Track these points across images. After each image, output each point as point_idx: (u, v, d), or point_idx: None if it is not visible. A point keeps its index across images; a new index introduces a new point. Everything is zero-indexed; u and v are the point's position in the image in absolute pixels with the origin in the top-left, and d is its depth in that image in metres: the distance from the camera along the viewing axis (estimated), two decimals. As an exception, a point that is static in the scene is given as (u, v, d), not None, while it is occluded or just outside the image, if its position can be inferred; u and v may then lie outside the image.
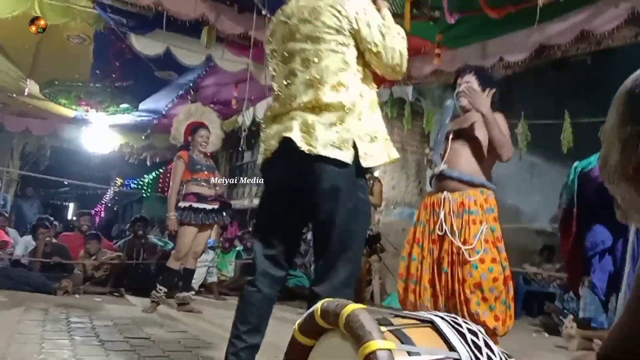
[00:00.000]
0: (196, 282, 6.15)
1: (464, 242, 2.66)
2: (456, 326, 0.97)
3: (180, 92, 8.37)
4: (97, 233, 6.59)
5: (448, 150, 2.82)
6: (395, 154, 2.08)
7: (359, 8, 2.00)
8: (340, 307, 0.95)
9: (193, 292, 5.15)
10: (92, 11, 5.54)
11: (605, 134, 0.86)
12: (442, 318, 0.98)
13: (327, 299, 1.02)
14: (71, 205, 23.48)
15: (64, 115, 9.73)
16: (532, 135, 6.22)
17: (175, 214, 4.64)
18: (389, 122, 6.00)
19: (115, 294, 5.58)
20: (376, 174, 6.70)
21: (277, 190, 2.12)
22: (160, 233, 9.93)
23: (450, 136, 2.86)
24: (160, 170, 15.06)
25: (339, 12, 1.98)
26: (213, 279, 6.34)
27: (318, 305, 1.02)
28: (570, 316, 4.25)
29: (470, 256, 2.63)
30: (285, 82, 2.07)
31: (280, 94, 2.10)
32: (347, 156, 1.92)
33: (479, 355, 0.92)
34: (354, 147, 1.94)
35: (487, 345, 0.96)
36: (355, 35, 2.01)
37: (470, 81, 2.90)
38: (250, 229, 9.80)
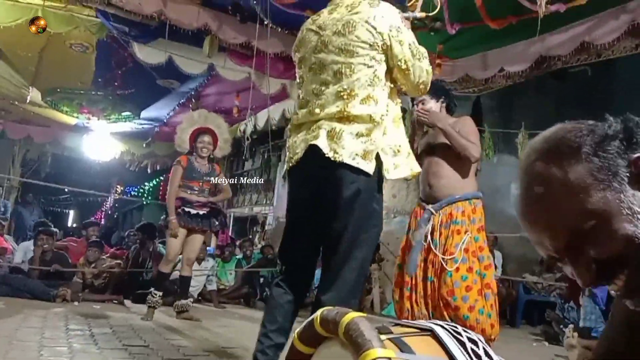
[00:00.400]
0: (195, 290, 6.14)
1: (445, 252, 2.71)
2: (456, 335, 0.97)
3: (182, 100, 8.41)
4: (99, 241, 6.60)
5: (428, 172, 2.89)
6: (417, 168, 2.14)
7: (393, 25, 2.05)
8: (339, 315, 0.95)
9: (191, 300, 5.13)
10: (95, 20, 5.58)
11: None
12: (441, 327, 0.98)
13: (326, 308, 1.02)
14: (71, 213, 23.49)
15: (66, 122, 9.77)
16: (533, 145, 6.22)
17: (175, 218, 4.66)
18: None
19: (115, 301, 5.56)
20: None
21: (302, 197, 2.15)
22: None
23: (424, 154, 2.94)
24: (161, 177, 15.08)
25: (374, 28, 2.02)
26: (213, 287, 6.32)
27: (318, 314, 1.02)
28: (571, 326, 4.23)
29: (447, 265, 2.69)
30: (314, 92, 2.10)
31: (308, 102, 2.12)
32: (370, 167, 1.97)
33: (478, 364, 0.92)
34: (377, 159, 1.99)
35: (487, 354, 0.95)
36: (387, 52, 2.05)
37: (424, 99, 2.95)
38: (250, 236, 9.81)
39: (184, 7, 5.34)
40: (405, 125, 2.44)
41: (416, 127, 3.07)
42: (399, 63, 2.07)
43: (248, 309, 6.33)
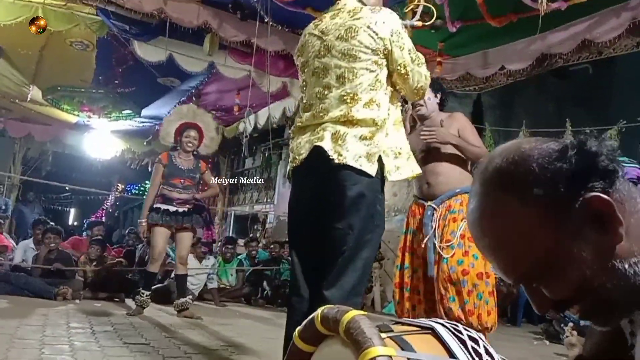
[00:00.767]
0: (197, 288, 6.14)
1: (442, 241, 2.72)
2: (457, 333, 0.96)
3: (183, 98, 8.40)
4: (101, 239, 6.62)
5: (426, 170, 2.84)
6: (418, 169, 2.19)
7: (394, 31, 2.09)
8: (340, 313, 0.95)
9: (191, 297, 5.15)
10: (96, 18, 5.57)
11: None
12: (442, 325, 0.98)
13: (327, 306, 1.02)
14: (72, 211, 23.49)
15: (67, 121, 9.77)
16: (534, 143, 6.22)
17: (146, 221, 4.66)
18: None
19: (116, 299, 5.57)
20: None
21: (306, 197, 2.18)
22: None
23: (420, 152, 2.92)
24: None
25: (376, 33, 2.07)
26: (213, 284, 6.33)
27: (318, 312, 1.02)
28: (571, 324, 4.24)
29: (444, 252, 2.69)
30: (318, 95, 2.14)
31: (312, 105, 2.17)
32: (373, 169, 2.03)
33: (479, 362, 0.92)
34: (379, 161, 2.05)
35: (487, 352, 0.95)
36: (388, 56, 2.10)
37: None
38: (251, 235, 9.82)
39: (185, 5, 5.34)
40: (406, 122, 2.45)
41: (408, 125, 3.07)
42: (399, 68, 2.12)
43: (249, 308, 6.34)
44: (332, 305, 1.02)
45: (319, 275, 2.18)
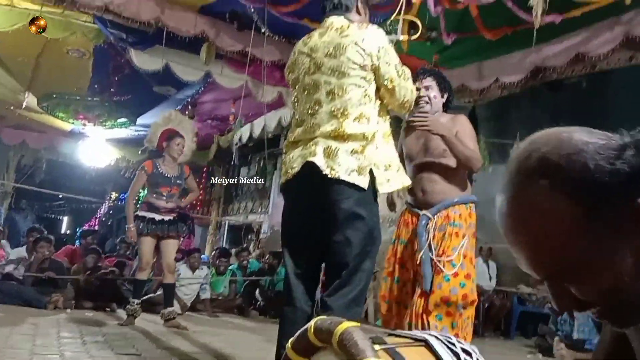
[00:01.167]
0: (189, 298, 6.10)
1: (442, 254, 2.54)
2: (450, 346, 0.96)
3: (178, 107, 8.38)
4: (96, 248, 6.59)
5: (422, 177, 2.70)
6: (407, 181, 2.26)
7: (381, 47, 2.16)
8: (333, 324, 0.95)
9: (183, 307, 5.13)
10: (93, 26, 5.58)
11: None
12: (435, 337, 0.97)
13: (320, 317, 1.02)
14: (65, 219, 23.35)
15: (61, 128, 9.74)
16: (528, 156, 6.24)
17: (134, 226, 4.65)
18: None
19: (107, 309, 5.52)
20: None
21: (299, 210, 2.24)
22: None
23: (416, 157, 2.76)
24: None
25: (363, 49, 2.13)
26: (206, 295, 6.28)
27: (311, 323, 1.01)
28: (557, 338, 4.24)
29: (445, 268, 2.51)
30: (309, 111, 2.20)
31: (303, 121, 2.23)
32: (364, 182, 2.08)
33: (472, 375, 0.91)
34: (370, 173, 2.10)
35: (481, 365, 0.95)
36: (375, 72, 2.17)
37: (430, 85, 2.76)
38: (245, 245, 9.78)
39: (182, 14, 5.35)
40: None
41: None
42: (386, 82, 2.18)
43: (242, 318, 6.30)
44: (325, 317, 1.01)
45: (313, 286, 2.21)
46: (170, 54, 5.72)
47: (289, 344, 1.09)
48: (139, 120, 9.21)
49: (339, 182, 2.06)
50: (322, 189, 2.09)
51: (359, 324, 0.94)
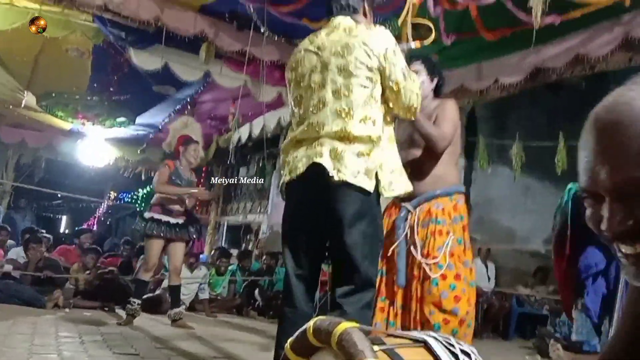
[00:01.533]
0: (188, 298, 6.10)
1: (427, 255, 2.45)
2: (449, 347, 0.96)
3: (178, 107, 8.40)
4: (95, 247, 6.60)
5: (409, 167, 2.51)
6: (410, 187, 2.23)
7: (389, 48, 2.15)
8: (332, 325, 0.95)
9: (184, 307, 5.13)
10: (92, 25, 5.58)
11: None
12: (435, 338, 0.97)
13: (319, 317, 1.02)
14: (64, 219, 23.34)
15: (60, 127, 9.73)
16: (527, 157, 6.25)
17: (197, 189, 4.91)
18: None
19: (106, 308, 5.52)
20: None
21: (302, 211, 2.22)
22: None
23: (404, 145, 2.61)
24: (155, 184, 14.99)
25: (372, 50, 2.12)
26: (205, 295, 6.28)
27: (310, 324, 1.01)
28: (552, 339, 4.23)
29: (431, 272, 2.42)
30: (313, 110, 2.18)
31: (306, 119, 2.20)
32: (371, 185, 2.08)
33: (471, 376, 0.91)
34: (375, 177, 2.09)
35: (480, 366, 0.95)
36: (382, 73, 2.15)
37: (419, 70, 2.68)
38: (243, 246, 9.77)
39: (181, 13, 5.35)
40: None
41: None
42: (391, 84, 2.16)
43: (240, 318, 6.30)
44: (324, 317, 1.01)
45: (313, 287, 2.21)
46: (170, 54, 5.71)
47: (287, 344, 1.09)
48: (138, 120, 9.21)
49: (346, 184, 2.05)
50: (328, 191, 2.08)
51: (358, 325, 0.94)
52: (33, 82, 7.51)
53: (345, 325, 0.93)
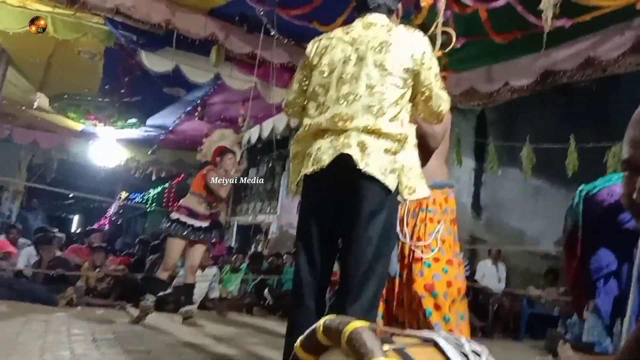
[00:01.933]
0: (198, 296, 6.13)
1: (418, 240, 2.49)
2: (459, 346, 0.97)
3: (188, 109, 8.46)
4: (104, 246, 6.68)
5: None
6: (427, 192, 2.19)
7: (426, 52, 2.15)
8: (342, 324, 0.96)
9: (196, 305, 5.18)
10: (104, 28, 5.63)
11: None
12: (444, 338, 0.98)
13: (329, 316, 1.03)
14: (76, 218, 23.53)
15: (72, 128, 9.83)
16: (537, 159, 6.23)
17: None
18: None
19: (117, 306, 5.57)
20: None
21: (323, 204, 2.15)
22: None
23: None
24: (165, 185, 15.10)
25: (410, 52, 2.11)
26: (215, 294, 6.32)
27: (320, 322, 1.03)
28: (561, 340, 4.21)
29: (423, 253, 2.45)
30: (342, 101, 2.11)
31: (329, 108, 2.13)
32: (394, 184, 2.05)
33: (480, 376, 0.92)
34: (398, 177, 2.08)
35: (489, 366, 0.96)
36: (416, 77, 2.14)
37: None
38: (253, 248, 9.80)
39: (192, 16, 5.39)
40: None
41: None
42: (424, 89, 2.16)
43: (250, 317, 6.32)
44: (334, 316, 1.03)
45: (324, 285, 2.17)
46: (180, 56, 5.75)
47: (298, 343, 1.10)
48: (149, 121, 9.29)
49: (371, 179, 2.02)
50: (352, 183, 2.04)
51: (367, 324, 0.95)
52: (45, 84, 7.60)
53: (355, 324, 0.94)
